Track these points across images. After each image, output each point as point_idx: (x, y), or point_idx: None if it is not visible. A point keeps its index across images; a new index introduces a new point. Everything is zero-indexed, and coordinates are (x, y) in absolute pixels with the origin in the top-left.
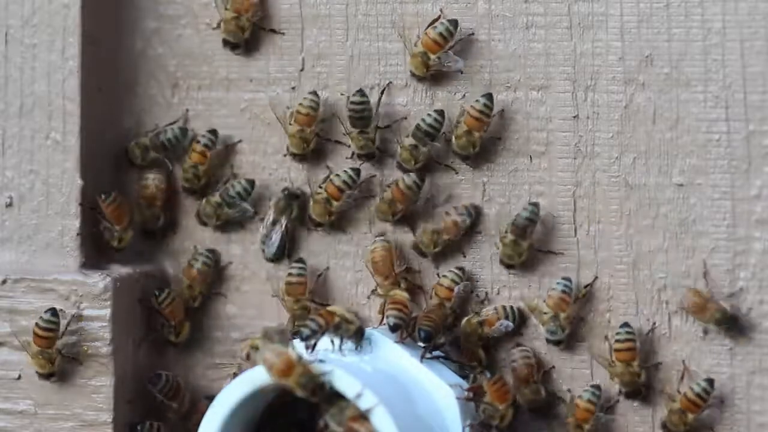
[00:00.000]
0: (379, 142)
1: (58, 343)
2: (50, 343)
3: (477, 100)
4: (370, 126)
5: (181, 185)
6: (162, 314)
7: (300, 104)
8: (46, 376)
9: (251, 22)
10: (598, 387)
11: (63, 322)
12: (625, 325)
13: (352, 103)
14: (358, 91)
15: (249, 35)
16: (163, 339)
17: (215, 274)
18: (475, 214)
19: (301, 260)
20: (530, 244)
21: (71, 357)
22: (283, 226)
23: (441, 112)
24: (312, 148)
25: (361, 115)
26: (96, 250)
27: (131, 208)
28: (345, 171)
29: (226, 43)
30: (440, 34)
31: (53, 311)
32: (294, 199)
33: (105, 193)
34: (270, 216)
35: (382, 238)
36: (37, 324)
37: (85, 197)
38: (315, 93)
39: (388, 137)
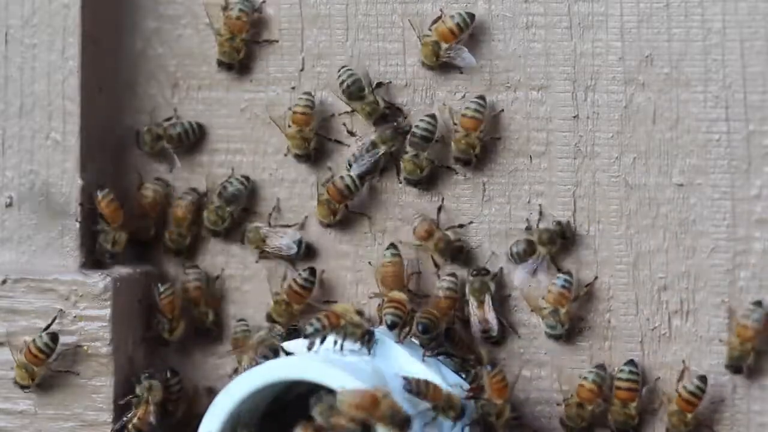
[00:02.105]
0: (383, 103)
1: (45, 366)
2: (38, 362)
3: (471, 101)
4: (366, 90)
5: (164, 243)
6: (160, 309)
7: (296, 105)
8: (23, 387)
9: (245, 42)
10: (602, 367)
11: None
12: (630, 362)
13: (339, 75)
14: (342, 66)
15: (243, 55)
16: (158, 337)
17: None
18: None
19: (312, 270)
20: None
21: (62, 371)
22: (380, 153)
23: (433, 116)
24: (314, 147)
25: (352, 81)
26: (96, 250)
27: (125, 209)
28: (349, 175)
29: (220, 64)
30: (457, 24)
31: (53, 336)
32: (401, 135)
33: (100, 189)
34: (370, 139)
35: (393, 251)
36: (34, 341)
37: (85, 197)
38: (309, 93)
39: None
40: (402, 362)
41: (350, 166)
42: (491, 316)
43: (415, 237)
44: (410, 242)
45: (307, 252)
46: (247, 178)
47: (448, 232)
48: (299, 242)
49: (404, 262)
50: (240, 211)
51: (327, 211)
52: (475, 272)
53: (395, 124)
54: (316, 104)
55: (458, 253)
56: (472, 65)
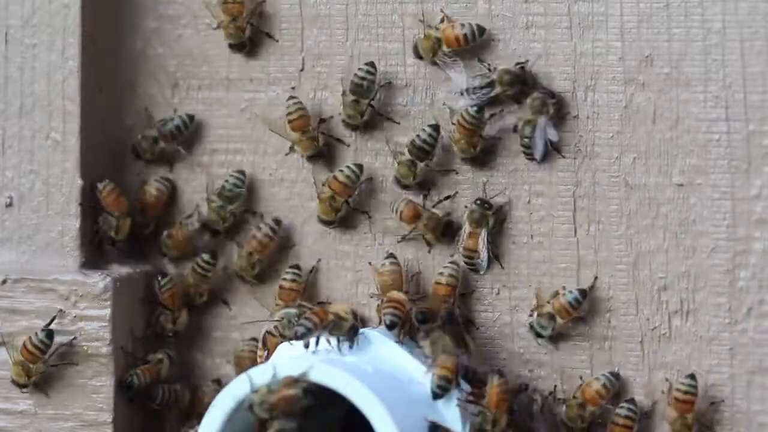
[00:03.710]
0: (368, 117)
1: (42, 362)
2: (34, 359)
3: (466, 110)
4: (365, 100)
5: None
6: (161, 302)
7: (287, 113)
8: (19, 385)
9: (248, 22)
10: (617, 375)
11: (55, 343)
12: (631, 401)
13: (360, 69)
14: (370, 62)
15: (251, 33)
16: (161, 329)
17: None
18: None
19: (297, 266)
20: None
21: (55, 365)
22: (494, 94)
23: (435, 128)
24: (324, 143)
25: (362, 84)
26: (96, 250)
27: (127, 197)
28: (348, 166)
29: (231, 46)
30: (465, 35)
31: (49, 333)
32: (520, 84)
33: (100, 182)
34: (489, 77)
35: (392, 260)
36: (30, 338)
37: (85, 197)
38: (293, 96)
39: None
40: (403, 362)
41: (461, 95)
42: (482, 248)
43: (403, 221)
44: (401, 230)
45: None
46: (243, 172)
47: (435, 210)
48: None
49: (403, 269)
50: (242, 212)
51: (329, 208)
52: (479, 202)
53: (517, 71)
54: (305, 103)
55: (449, 228)
56: (456, 89)
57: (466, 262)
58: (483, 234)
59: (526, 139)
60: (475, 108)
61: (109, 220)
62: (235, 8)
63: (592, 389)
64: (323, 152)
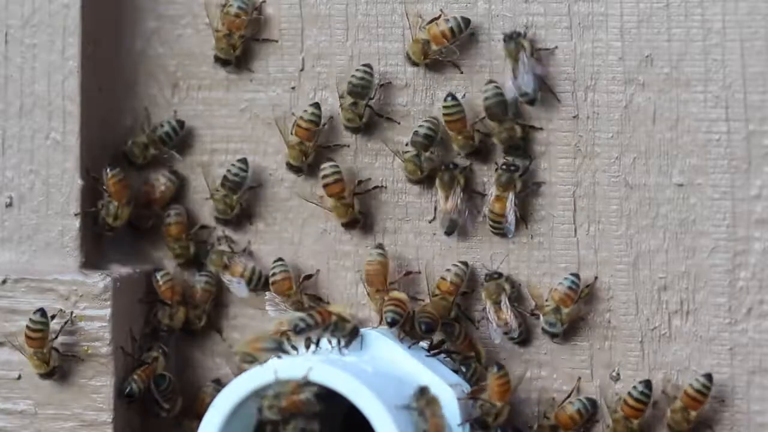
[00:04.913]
0: (367, 118)
1: (51, 343)
2: (42, 344)
3: (443, 105)
4: (363, 101)
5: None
6: (159, 296)
7: (301, 117)
8: (45, 376)
9: (243, 39)
10: (594, 403)
11: (59, 323)
12: (646, 383)
13: (357, 71)
14: (366, 64)
15: (240, 52)
16: (158, 324)
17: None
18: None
19: (280, 258)
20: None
21: (69, 355)
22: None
23: (435, 118)
24: (309, 162)
25: (360, 84)
26: (96, 249)
27: (132, 189)
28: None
29: (217, 59)
30: (450, 28)
31: (41, 312)
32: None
33: (111, 167)
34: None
35: (379, 251)
36: (27, 326)
37: (85, 197)
38: (318, 106)
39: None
40: (403, 362)
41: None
42: (509, 211)
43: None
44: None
45: (263, 283)
46: (245, 160)
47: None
48: (248, 282)
49: (390, 264)
50: (247, 200)
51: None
52: (504, 166)
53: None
54: (323, 119)
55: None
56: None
57: (492, 227)
58: (510, 197)
59: (518, 83)
60: (449, 97)
61: (108, 208)
62: (235, 23)
63: (566, 413)
64: (303, 169)
